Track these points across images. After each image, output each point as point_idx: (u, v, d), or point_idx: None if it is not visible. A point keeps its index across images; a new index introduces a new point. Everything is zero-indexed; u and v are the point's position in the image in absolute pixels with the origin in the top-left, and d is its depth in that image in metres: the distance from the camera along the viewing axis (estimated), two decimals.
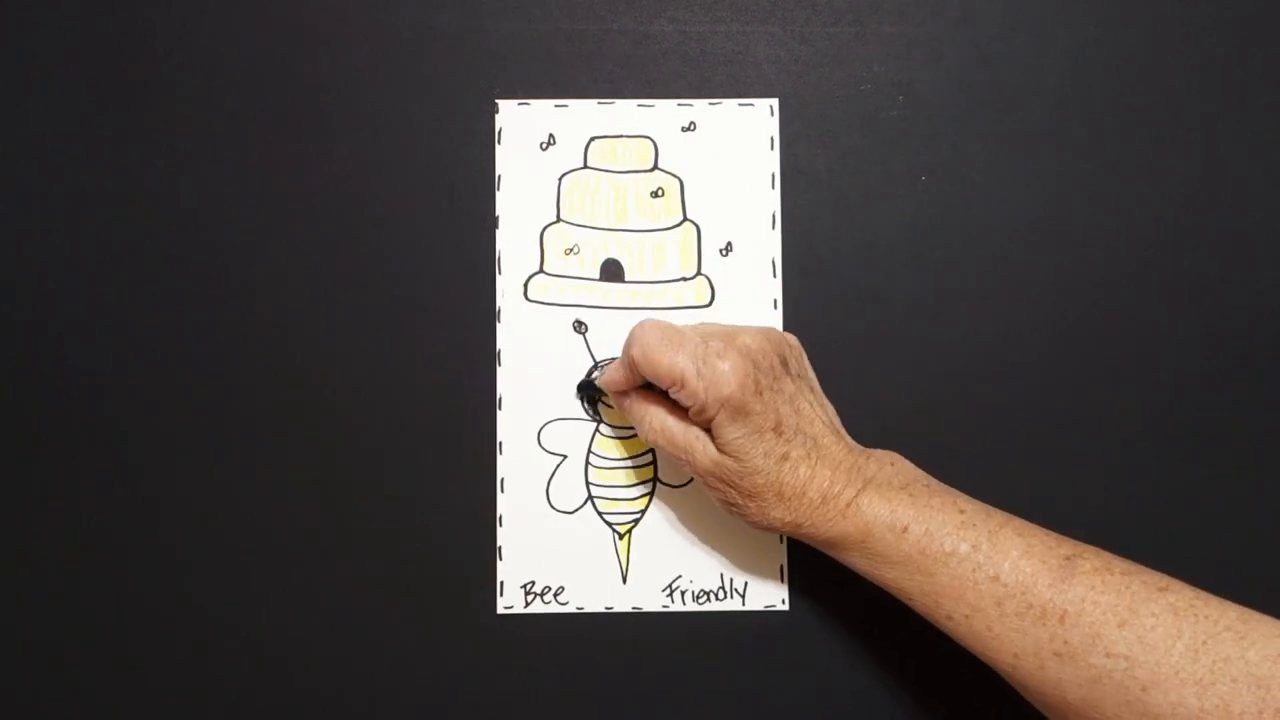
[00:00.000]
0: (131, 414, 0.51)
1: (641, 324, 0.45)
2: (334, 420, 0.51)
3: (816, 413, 0.46)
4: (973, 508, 0.43)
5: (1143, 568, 0.41)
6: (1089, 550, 0.42)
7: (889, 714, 0.51)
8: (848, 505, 0.44)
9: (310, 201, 0.52)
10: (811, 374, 0.48)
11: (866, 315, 0.52)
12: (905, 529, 0.43)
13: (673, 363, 0.44)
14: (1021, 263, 0.52)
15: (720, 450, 0.45)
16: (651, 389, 0.47)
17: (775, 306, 0.52)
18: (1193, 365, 0.51)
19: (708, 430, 0.45)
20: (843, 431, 0.47)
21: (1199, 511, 0.51)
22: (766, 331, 0.46)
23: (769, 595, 0.51)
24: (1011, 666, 0.41)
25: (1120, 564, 0.41)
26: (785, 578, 0.51)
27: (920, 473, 0.46)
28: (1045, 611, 0.40)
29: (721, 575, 0.51)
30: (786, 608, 0.51)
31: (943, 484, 0.45)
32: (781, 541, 0.51)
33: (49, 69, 0.52)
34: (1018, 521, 0.43)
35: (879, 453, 0.46)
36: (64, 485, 0.51)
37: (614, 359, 0.52)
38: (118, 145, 0.52)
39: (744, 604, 0.51)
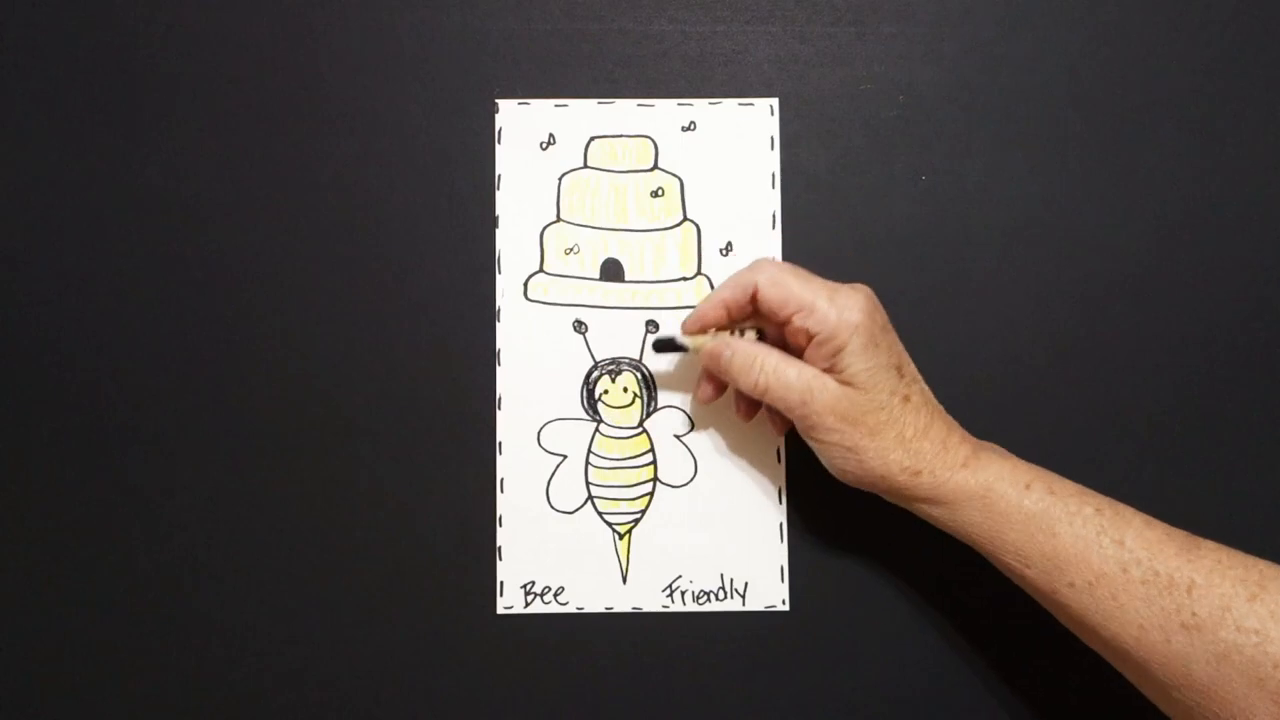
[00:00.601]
0: (131, 414, 0.51)
1: (762, 258, 0.46)
2: (334, 420, 0.51)
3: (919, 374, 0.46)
4: (1086, 487, 0.43)
5: (1262, 559, 0.40)
6: (1205, 539, 0.41)
7: (889, 714, 0.51)
8: (968, 458, 0.43)
9: (310, 201, 0.52)
10: None
11: None
12: (1029, 485, 0.42)
13: (803, 287, 0.44)
14: (1021, 262, 0.52)
15: (848, 383, 0.44)
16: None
17: None
18: (1193, 365, 0.51)
19: (827, 371, 0.44)
20: None
21: (1199, 511, 0.51)
22: (866, 287, 0.46)
23: (769, 595, 0.51)
24: (1135, 640, 0.40)
25: (1239, 551, 0.40)
26: (785, 578, 0.51)
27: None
28: (1173, 580, 0.39)
29: (721, 575, 0.51)
30: (786, 608, 0.51)
31: None
32: (782, 541, 0.51)
33: (49, 69, 0.52)
34: (1132, 507, 0.43)
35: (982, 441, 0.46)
36: (64, 485, 0.51)
37: (614, 358, 0.52)
38: (118, 146, 0.52)
39: (744, 604, 0.51)
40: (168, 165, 0.52)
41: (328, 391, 0.51)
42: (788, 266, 0.46)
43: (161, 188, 0.52)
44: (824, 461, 0.46)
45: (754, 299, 0.45)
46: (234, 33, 0.52)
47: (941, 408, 0.46)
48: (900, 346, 0.45)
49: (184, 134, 0.52)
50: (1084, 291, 0.52)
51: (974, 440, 0.45)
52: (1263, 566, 0.39)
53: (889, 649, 0.51)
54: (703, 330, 0.48)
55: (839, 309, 0.43)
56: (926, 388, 0.46)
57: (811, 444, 0.46)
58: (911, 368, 0.45)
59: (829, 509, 0.51)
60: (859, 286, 0.45)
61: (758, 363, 0.45)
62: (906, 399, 0.44)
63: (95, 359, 0.51)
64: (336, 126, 0.52)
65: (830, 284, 0.45)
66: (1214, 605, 0.38)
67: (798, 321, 0.44)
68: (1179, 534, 0.41)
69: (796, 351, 0.46)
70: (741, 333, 0.47)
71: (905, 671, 0.51)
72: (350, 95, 0.52)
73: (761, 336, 0.47)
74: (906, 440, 0.43)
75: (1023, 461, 0.44)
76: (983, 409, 0.51)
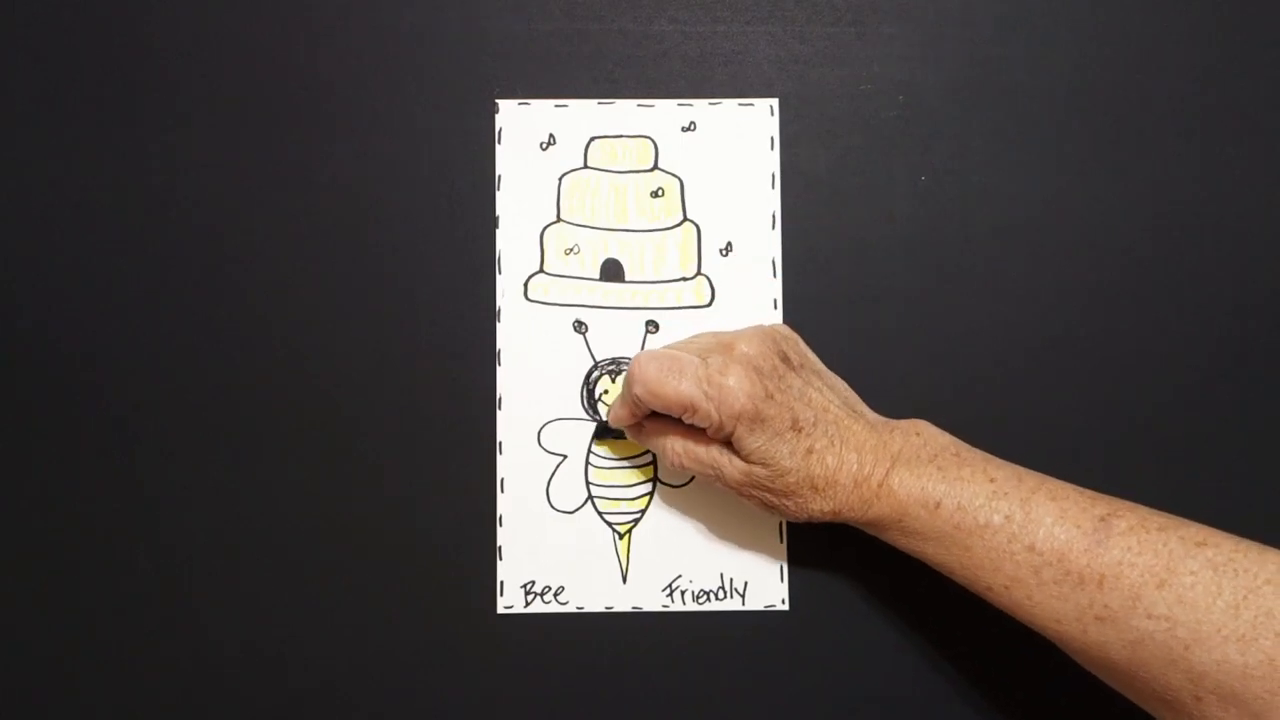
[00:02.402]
0: (131, 413, 0.51)
1: (638, 360, 0.45)
2: (334, 420, 0.51)
3: (829, 398, 0.46)
4: (1003, 474, 0.43)
5: (1179, 520, 0.41)
6: (1124, 507, 0.42)
7: (889, 714, 0.51)
8: (879, 486, 0.44)
9: (310, 201, 0.52)
10: (813, 358, 0.48)
11: (866, 315, 0.52)
12: (938, 505, 0.43)
13: (678, 392, 0.44)
14: (1021, 263, 0.52)
15: (746, 460, 0.45)
16: (661, 415, 0.47)
17: (775, 306, 0.52)
18: (1192, 365, 0.51)
19: (729, 444, 0.45)
20: (862, 409, 0.47)
21: (1198, 511, 0.51)
22: (760, 332, 0.46)
23: (769, 595, 0.51)
24: (1055, 632, 0.42)
25: (1156, 519, 0.41)
26: (785, 578, 0.51)
27: (948, 439, 0.45)
28: (1083, 577, 0.40)
29: (721, 575, 0.51)
30: (786, 608, 0.51)
31: (972, 449, 0.45)
32: (782, 541, 0.51)
33: (49, 68, 0.52)
34: (1050, 484, 0.43)
35: (904, 423, 0.46)
36: (64, 485, 0.51)
37: (614, 359, 0.52)
38: (117, 146, 0.52)
39: (744, 604, 0.51)
40: (168, 165, 0.52)
41: (328, 391, 0.51)
42: (661, 365, 0.45)
43: (161, 188, 0.52)
44: None
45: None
46: (234, 33, 0.52)
47: (853, 425, 0.45)
48: (795, 394, 0.45)
49: (184, 134, 0.52)
50: (1084, 291, 0.52)
51: (890, 447, 0.45)
52: (1174, 543, 0.40)
53: (889, 649, 0.51)
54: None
55: (716, 404, 0.44)
56: (834, 410, 0.45)
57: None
58: (810, 409, 0.45)
59: None
60: (739, 355, 0.45)
61: (666, 447, 0.47)
62: (809, 451, 0.44)
63: (95, 359, 0.51)
64: (336, 126, 0.52)
65: (707, 367, 0.44)
66: (1124, 596, 0.40)
67: (685, 420, 0.45)
68: (1091, 519, 0.41)
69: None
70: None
71: (905, 671, 0.51)
72: (350, 95, 0.52)
73: None
74: (820, 490, 0.45)
75: (934, 467, 0.44)
76: (981, 409, 0.51)
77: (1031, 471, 0.44)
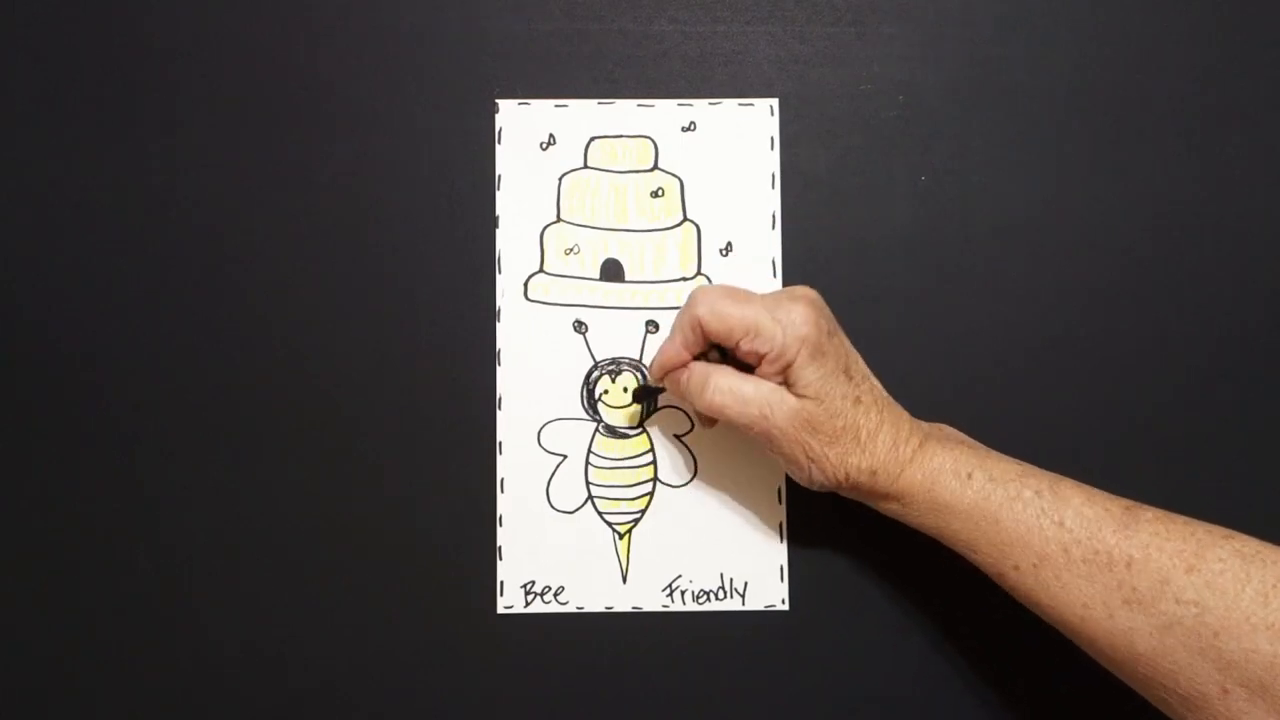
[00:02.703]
0: (131, 414, 0.51)
1: (697, 290, 0.46)
2: (334, 420, 0.51)
3: (868, 370, 0.47)
4: (1028, 465, 0.44)
5: (1201, 521, 0.41)
6: (1146, 505, 0.42)
7: (889, 714, 0.51)
8: (915, 452, 0.44)
9: (310, 201, 0.52)
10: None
11: (866, 315, 0.52)
12: (970, 475, 0.43)
13: (744, 312, 0.44)
14: (1021, 263, 0.52)
15: (801, 395, 0.44)
16: (706, 358, 0.47)
17: None
18: (1192, 364, 0.51)
19: (784, 381, 0.45)
20: None
21: (1198, 511, 0.51)
22: (812, 292, 0.47)
23: (769, 595, 0.51)
24: (1080, 619, 0.41)
25: (1180, 516, 0.41)
26: (785, 578, 0.51)
27: (971, 440, 0.47)
28: (1112, 557, 0.40)
29: (721, 575, 0.51)
30: (786, 608, 0.51)
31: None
32: (782, 541, 0.51)
33: (49, 68, 0.52)
34: (1073, 480, 0.43)
35: (930, 425, 0.47)
36: (64, 485, 0.51)
37: (614, 359, 0.52)
38: (117, 146, 0.52)
39: (744, 604, 0.51)
40: (168, 165, 0.52)
41: (328, 391, 0.51)
42: (725, 290, 0.46)
43: (162, 188, 0.52)
44: (788, 471, 0.47)
45: (702, 332, 0.46)
46: (234, 33, 0.52)
47: (890, 398, 0.46)
48: (847, 347, 0.46)
49: (184, 134, 0.52)
50: (1084, 291, 0.52)
51: (922, 428, 0.46)
52: (1200, 534, 0.40)
53: (889, 649, 0.51)
54: (667, 374, 0.48)
55: (783, 326, 0.44)
56: (875, 382, 0.47)
57: (774, 456, 0.47)
58: (860, 366, 0.46)
59: (829, 509, 0.51)
60: (800, 294, 0.46)
61: (711, 383, 0.46)
62: (858, 400, 0.45)
63: (95, 359, 0.51)
64: (336, 126, 0.52)
65: (771, 297, 0.45)
66: (1153, 579, 0.39)
67: (745, 345, 0.45)
68: (1118, 507, 0.42)
69: (752, 369, 0.46)
70: (705, 356, 0.47)
71: (904, 671, 0.51)
72: (350, 95, 0.52)
73: (725, 357, 0.47)
74: (862, 442, 0.45)
75: (966, 446, 0.45)
76: (981, 408, 0.51)
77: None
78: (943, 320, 0.52)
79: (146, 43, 0.52)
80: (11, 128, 0.52)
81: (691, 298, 0.46)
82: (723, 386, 0.45)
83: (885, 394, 0.46)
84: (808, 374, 0.44)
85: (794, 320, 0.44)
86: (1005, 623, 0.50)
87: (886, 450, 0.45)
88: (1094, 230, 0.52)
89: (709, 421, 0.50)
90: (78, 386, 0.51)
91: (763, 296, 0.46)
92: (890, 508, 0.46)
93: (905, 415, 0.46)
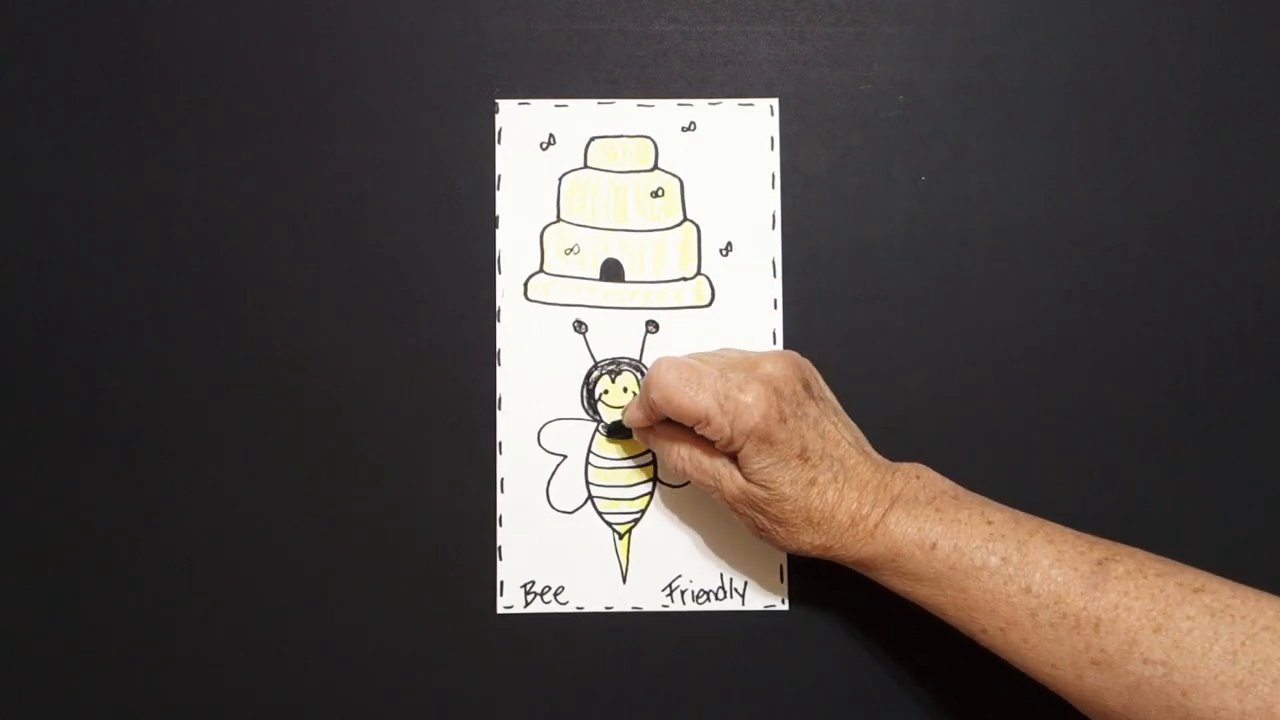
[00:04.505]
0: (131, 414, 0.51)
1: (658, 365, 0.45)
2: (334, 420, 0.51)
3: (842, 434, 0.45)
4: (1001, 517, 0.43)
5: (1177, 566, 0.41)
6: (1122, 551, 0.41)
7: (888, 714, 0.51)
8: (876, 526, 0.44)
9: (310, 201, 0.52)
10: (831, 395, 0.48)
11: (866, 315, 0.52)
12: (934, 545, 0.43)
13: (694, 402, 0.44)
14: (1021, 263, 0.52)
15: (747, 479, 0.45)
16: (674, 421, 0.47)
17: (775, 306, 0.52)
18: (1192, 364, 0.51)
19: (735, 459, 0.45)
20: (869, 449, 0.47)
21: (1198, 510, 0.51)
22: (786, 356, 0.46)
23: (769, 595, 0.51)
24: (1050, 676, 0.41)
25: (1154, 564, 0.41)
26: (785, 578, 0.51)
27: (947, 484, 0.45)
28: (1079, 620, 0.40)
29: (721, 575, 0.51)
30: (786, 608, 0.51)
31: (971, 493, 0.45)
32: None
33: (48, 68, 0.52)
34: (1048, 527, 0.43)
35: (905, 466, 0.46)
36: (64, 485, 0.51)
37: (614, 359, 0.52)
38: (117, 146, 0.52)
39: (744, 604, 0.51)
40: (167, 165, 0.52)
41: (328, 392, 0.51)
42: (680, 374, 0.45)
43: (161, 187, 0.52)
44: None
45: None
46: (234, 32, 0.52)
47: (859, 464, 0.45)
48: (811, 420, 0.45)
49: (184, 134, 0.52)
50: (1083, 292, 0.52)
51: (891, 489, 0.44)
52: (1170, 589, 0.39)
53: (888, 649, 0.51)
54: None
55: (731, 418, 0.43)
56: (844, 448, 0.45)
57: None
58: (821, 443, 0.45)
59: None
60: (763, 373, 0.44)
61: (673, 452, 0.47)
62: (811, 483, 0.44)
63: (95, 358, 0.51)
64: (336, 126, 0.52)
65: (734, 375, 0.44)
66: (1121, 640, 0.39)
67: (697, 430, 0.45)
68: (1088, 564, 0.41)
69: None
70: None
71: (905, 671, 0.51)
72: (350, 95, 0.52)
73: None
74: (815, 523, 0.44)
75: (933, 510, 0.44)
76: (981, 409, 0.51)
77: (1030, 515, 0.44)
78: (943, 320, 0.52)
79: (146, 43, 0.52)
80: (11, 128, 0.52)
81: (650, 376, 0.45)
82: (683, 453, 0.47)
83: (854, 460, 0.45)
84: (753, 464, 0.44)
85: (744, 410, 0.43)
86: None
87: (843, 529, 0.44)
88: (1094, 230, 0.52)
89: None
90: (78, 387, 0.51)
91: (722, 376, 0.44)
92: (858, 570, 0.46)
93: (871, 482, 0.45)
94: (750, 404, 0.43)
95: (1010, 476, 0.51)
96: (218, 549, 0.51)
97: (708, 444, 0.46)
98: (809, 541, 0.45)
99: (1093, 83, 0.52)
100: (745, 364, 0.45)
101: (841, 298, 0.52)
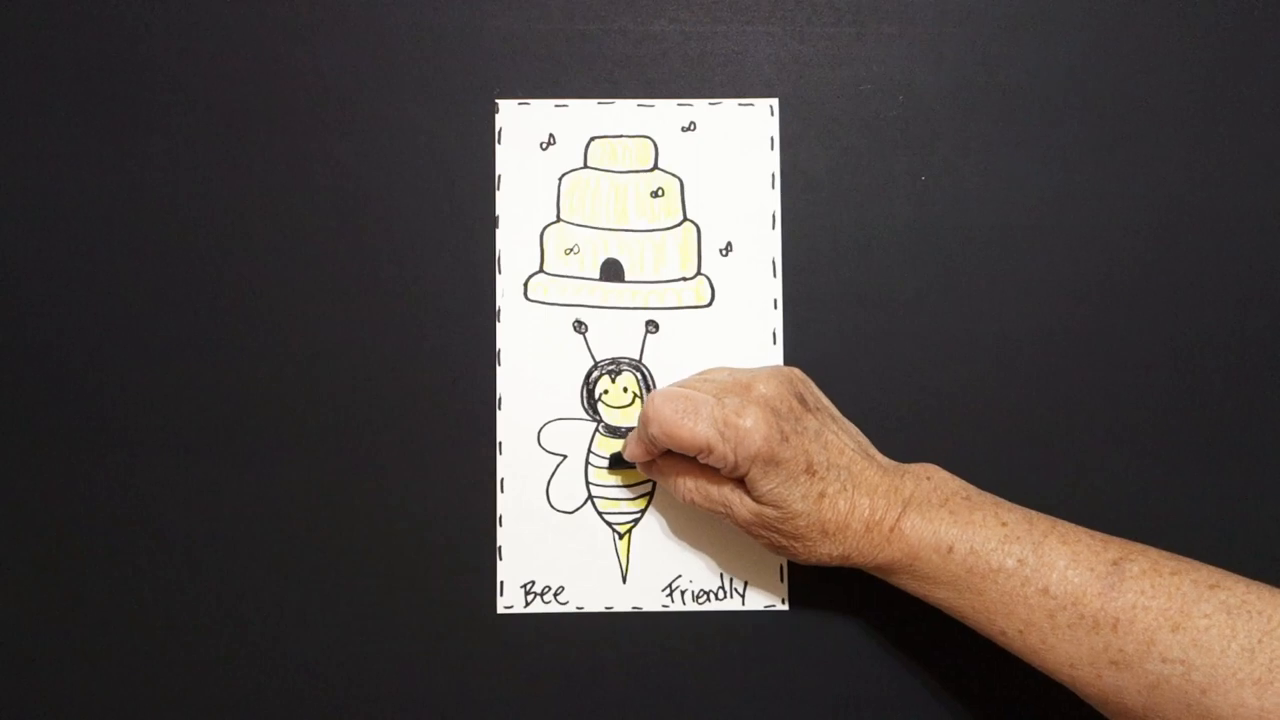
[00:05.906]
0: (131, 413, 0.51)
1: (653, 399, 0.45)
2: (334, 420, 0.51)
3: (844, 441, 0.45)
4: (1014, 518, 0.43)
5: (1191, 563, 0.41)
6: (1135, 550, 0.42)
7: (888, 714, 0.51)
8: (891, 530, 0.44)
9: (310, 201, 0.52)
10: (828, 402, 0.48)
11: (866, 315, 0.52)
12: (950, 549, 0.43)
13: (694, 433, 0.44)
14: (1021, 262, 0.52)
15: (757, 501, 0.45)
16: (675, 452, 0.46)
17: (775, 306, 0.52)
18: (1193, 364, 0.51)
19: (741, 484, 0.45)
20: (874, 452, 0.47)
21: (1198, 510, 0.51)
22: (777, 373, 0.46)
23: (769, 595, 0.51)
24: (1070, 677, 0.41)
25: (1169, 563, 0.41)
26: (785, 578, 0.51)
27: (958, 484, 0.45)
28: (1098, 621, 0.40)
29: (721, 575, 0.51)
30: (786, 608, 0.51)
31: (982, 493, 0.45)
32: None
33: (48, 68, 0.52)
34: (1061, 527, 0.43)
35: (915, 467, 0.46)
36: (64, 485, 0.51)
37: (614, 359, 0.52)
38: (117, 145, 0.52)
39: (744, 604, 0.51)
40: (167, 165, 0.52)
41: (328, 392, 0.51)
42: (676, 406, 0.44)
43: (161, 187, 0.52)
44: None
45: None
46: (234, 32, 0.52)
47: (867, 469, 0.45)
48: (813, 433, 0.45)
49: (183, 134, 0.52)
50: (1084, 292, 0.52)
51: (903, 491, 0.44)
52: (1186, 587, 0.40)
53: (889, 649, 0.51)
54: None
55: (734, 445, 0.43)
56: (850, 455, 0.45)
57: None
58: (826, 452, 0.44)
59: None
60: (759, 394, 0.44)
61: (679, 485, 0.47)
62: (821, 496, 0.44)
63: (95, 358, 0.51)
64: (337, 126, 0.52)
65: (724, 408, 0.44)
66: (1139, 640, 0.39)
67: (700, 460, 0.45)
68: (1104, 564, 0.41)
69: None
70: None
71: (905, 671, 0.51)
72: (350, 95, 0.52)
73: None
74: (830, 534, 0.44)
75: (947, 511, 0.44)
76: (981, 409, 0.51)
77: (1042, 515, 0.44)
78: (943, 320, 0.52)
79: (146, 42, 0.52)
80: (12, 128, 0.52)
81: (646, 411, 0.45)
82: (689, 485, 0.47)
83: (860, 465, 0.45)
84: (761, 486, 0.44)
85: (745, 435, 0.43)
86: None
87: (858, 536, 0.44)
88: (1094, 230, 0.52)
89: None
90: (77, 386, 0.51)
91: (718, 402, 0.44)
92: (877, 575, 0.46)
93: (880, 485, 0.44)
94: (750, 428, 0.43)
95: (1011, 475, 0.51)
96: (217, 549, 0.51)
97: (712, 472, 0.46)
98: (827, 552, 0.45)
99: (1093, 83, 0.52)
100: (738, 387, 0.45)
101: (841, 298, 0.52)
